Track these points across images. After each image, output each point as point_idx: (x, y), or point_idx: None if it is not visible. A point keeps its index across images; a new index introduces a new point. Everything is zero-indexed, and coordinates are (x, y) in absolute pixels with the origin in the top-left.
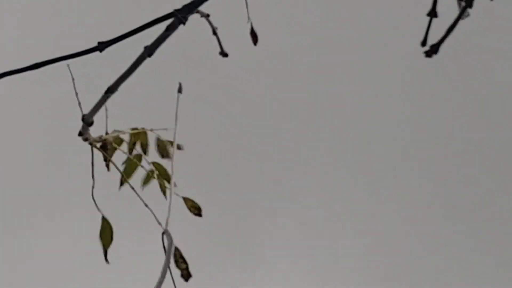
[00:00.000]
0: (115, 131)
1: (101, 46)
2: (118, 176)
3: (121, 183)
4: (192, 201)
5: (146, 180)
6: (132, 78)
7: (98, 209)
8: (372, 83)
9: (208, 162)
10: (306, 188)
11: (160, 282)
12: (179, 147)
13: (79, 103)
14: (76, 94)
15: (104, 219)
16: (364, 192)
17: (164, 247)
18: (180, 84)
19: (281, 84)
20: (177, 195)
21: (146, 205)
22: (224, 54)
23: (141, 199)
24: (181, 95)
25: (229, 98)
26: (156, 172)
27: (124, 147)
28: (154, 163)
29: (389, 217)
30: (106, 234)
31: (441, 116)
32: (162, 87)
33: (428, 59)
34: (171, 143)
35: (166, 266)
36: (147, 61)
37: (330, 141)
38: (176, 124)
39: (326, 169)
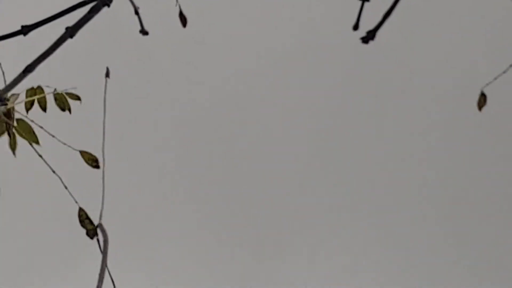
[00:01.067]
0: (13, 94)
1: (25, 30)
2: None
3: (8, 133)
4: (89, 153)
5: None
6: (56, 59)
7: None
8: (308, 71)
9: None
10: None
11: (100, 283)
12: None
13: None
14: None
15: (19, 120)
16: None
17: (99, 244)
18: (107, 69)
19: (206, 64)
20: (72, 148)
21: (53, 171)
22: (144, 32)
23: (44, 160)
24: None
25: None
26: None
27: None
28: (19, 120)
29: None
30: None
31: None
32: (85, 68)
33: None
34: (70, 95)
35: (104, 266)
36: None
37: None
38: (104, 109)
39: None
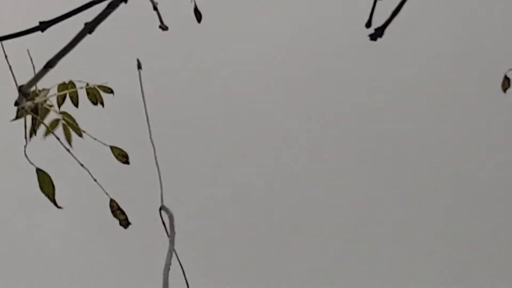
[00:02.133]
0: (43, 89)
1: (43, 26)
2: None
3: (33, 128)
4: (119, 149)
5: (52, 127)
6: (74, 55)
7: (31, 162)
8: (316, 65)
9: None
10: None
11: (167, 265)
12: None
13: (14, 77)
14: (10, 67)
15: (39, 171)
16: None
17: (164, 226)
18: (138, 61)
19: (223, 62)
20: (103, 144)
21: (81, 164)
22: (163, 27)
23: (72, 154)
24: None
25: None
26: (62, 122)
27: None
28: (63, 113)
29: None
30: (46, 183)
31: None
32: (105, 64)
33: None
34: (103, 88)
35: (172, 247)
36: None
37: None
38: (144, 101)
39: None
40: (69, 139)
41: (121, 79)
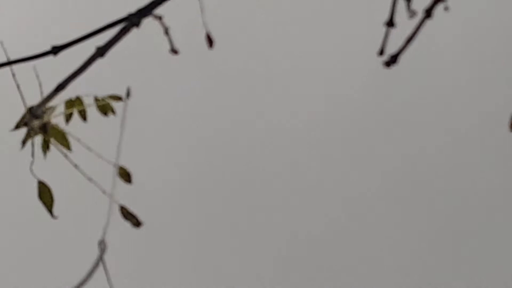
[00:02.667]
0: (50, 107)
1: (55, 50)
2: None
3: (45, 147)
4: (124, 168)
5: (27, 137)
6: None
7: (34, 175)
8: (329, 92)
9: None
10: None
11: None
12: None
13: (22, 97)
14: (18, 86)
15: (40, 183)
16: None
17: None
18: (128, 89)
19: (237, 86)
20: (107, 162)
21: (90, 179)
22: (174, 51)
23: (79, 170)
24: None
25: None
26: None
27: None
28: (52, 126)
29: None
30: (46, 195)
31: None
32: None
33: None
34: (114, 97)
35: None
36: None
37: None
38: (121, 132)
39: None
40: (44, 149)
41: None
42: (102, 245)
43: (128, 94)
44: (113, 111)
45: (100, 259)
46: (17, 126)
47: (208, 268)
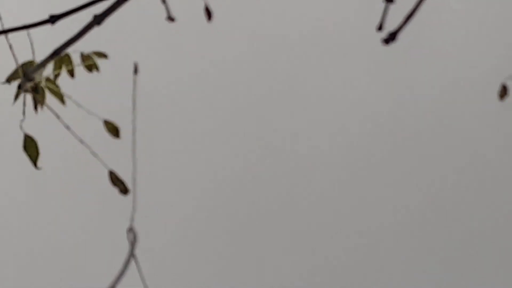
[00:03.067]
0: (37, 65)
1: (53, 19)
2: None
3: (35, 106)
4: (112, 123)
5: (17, 96)
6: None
7: (21, 128)
8: (331, 68)
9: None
10: None
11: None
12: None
13: (14, 56)
14: (11, 46)
15: (26, 136)
16: None
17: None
18: (135, 65)
19: (233, 60)
20: (98, 117)
21: (82, 141)
22: (171, 18)
23: (71, 132)
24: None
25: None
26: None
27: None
28: (47, 80)
29: None
30: (31, 147)
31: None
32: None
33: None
34: (98, 54)
35: (129, 259)
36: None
37: None
38: (134, 107)
39: None
40: (36, 103)
41: (125, 73)
42: (131, 235)
43: (135, 70)
44: (97, 68)
45: (132, 250)
46: (8, 80)
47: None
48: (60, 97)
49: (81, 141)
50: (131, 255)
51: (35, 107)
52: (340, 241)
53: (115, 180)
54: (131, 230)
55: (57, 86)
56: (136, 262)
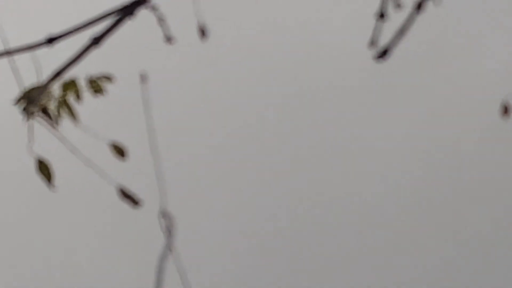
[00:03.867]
0: (42, 87)
1: (51, 41)
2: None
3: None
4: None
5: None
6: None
7: (31, 153)
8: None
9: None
10: None
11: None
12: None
13: (18, 79)
14: (16, 72)
15: (37, 160)
16: None
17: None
18: (142, 75)
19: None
20: (103, 141)
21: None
22: (169, 39)
23: (77, 154)
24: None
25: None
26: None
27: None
28: (63, 102)
29: None
30: (44, 169)
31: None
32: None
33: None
34: (106, 77)
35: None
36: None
37: None
38: (147, 109)
39: None
40: (52, 121)
41: (126, 91)
42: (167, 218)
43: (143, 79)
44: (102, 92)
45: (169, 232)
46: (16, 103)
47: None
48: (74, 116)
49: (88, 163)
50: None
51: (51, 127)
52: None
53: (124, 195)
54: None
55: (69, 107)
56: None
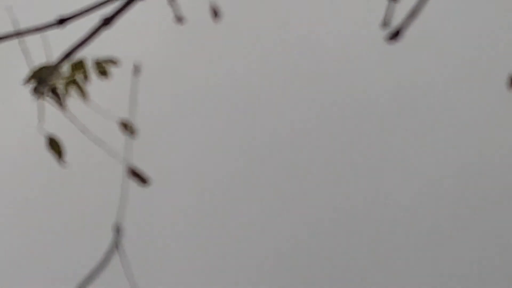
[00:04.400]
0: (53, 67)
1: (62, 22)
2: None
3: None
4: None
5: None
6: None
7: (41, 131)
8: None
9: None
10: None
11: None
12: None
13: (28, 59)
14: (27, 55)
15: (48, 137)
16: None
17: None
18: (136, 66)
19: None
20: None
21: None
22: (179, 20)
23: (87, 135)
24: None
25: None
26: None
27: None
28: (73, 81)
29: None
30: (55, 146)
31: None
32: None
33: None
34: (112, 61)
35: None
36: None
37: None
38: (134, 108)
39: None
40: (85, 96)
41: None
42: (117, 230)
43: (136, 71)
44: (108, 74)
45: (116, 244)
46: (25, 83)
47: None
48: (84, 94)
49: (98, 144)
50: (115, 246)
51: (60, 106)
52: None
53: (133, 173)
54: (117, 225)
55: (78, 85)
56: (121, 255)
